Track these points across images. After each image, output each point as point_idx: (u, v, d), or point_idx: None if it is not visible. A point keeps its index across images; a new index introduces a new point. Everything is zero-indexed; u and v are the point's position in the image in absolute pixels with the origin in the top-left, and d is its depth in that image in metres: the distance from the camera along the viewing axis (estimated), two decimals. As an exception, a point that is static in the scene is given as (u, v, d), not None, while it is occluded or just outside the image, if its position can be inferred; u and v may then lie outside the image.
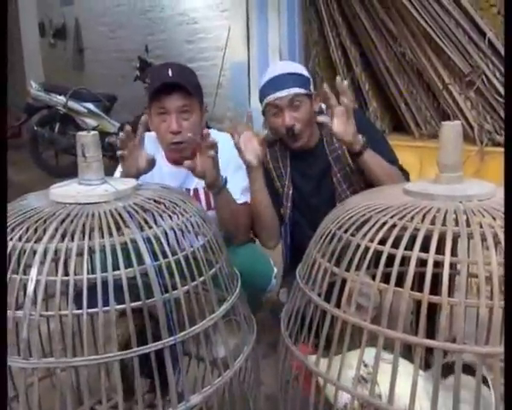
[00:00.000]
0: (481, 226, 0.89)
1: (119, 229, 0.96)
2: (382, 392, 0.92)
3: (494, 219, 0.91)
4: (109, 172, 1.23)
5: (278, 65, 1.95)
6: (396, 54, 3.48)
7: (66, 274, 0.91)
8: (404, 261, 0.89)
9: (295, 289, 1.12)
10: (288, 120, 1.63)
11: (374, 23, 3.53)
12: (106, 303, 0.89)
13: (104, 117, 4.70)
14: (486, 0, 3.20)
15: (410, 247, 0.88)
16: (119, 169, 1.57)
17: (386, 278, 0.89)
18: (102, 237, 0.93)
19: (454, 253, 0.88)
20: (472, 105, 3.21)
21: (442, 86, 3.30)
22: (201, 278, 1.01)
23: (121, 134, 1.43)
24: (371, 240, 0.93)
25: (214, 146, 1.41)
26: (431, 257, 0.85)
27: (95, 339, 0.93)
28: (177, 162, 1.69)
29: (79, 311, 0.88)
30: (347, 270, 0.96)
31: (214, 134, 1.68)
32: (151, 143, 1.61)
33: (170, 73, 1.57)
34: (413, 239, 0.89)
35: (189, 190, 1.70)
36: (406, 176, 1.69)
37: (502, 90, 3.05)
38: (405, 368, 0.95)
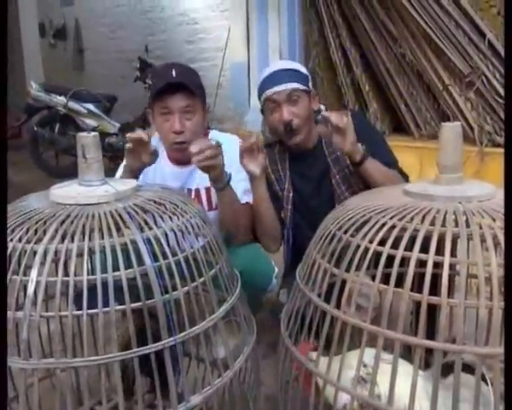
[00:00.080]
0: (481, 227, 0.89)
1: (119, 230, 0.96)
2: (382, 392, 0.92)
3: (494, 220, 0.91)
4: (109, 172, 1.23)
5: (277, 63, 1.96)
6: (396, 55, 3.49)
7: (67, 275, 0.91)
8: (404, 262, 0.89)
9: (295, 289, 1.12)
10: (287, 115, 1.63)
11: (374, 24, 3.54)
12: (106, 304, 0.89)
13: (104, 118, 4.70)
14: (486, 1, 3.20)
15: (409, 248, 0.88)
16: (121, 169, 1.58)
17: (385, 279, 0.89)
18: (102, 237, 0.93)
19: (453, 254, 0.88)
20: (472, 106, 3.22)
21: (442, 87, 3.30)
22: (201, 279, 1.01)
23: (137, 133, 1.45)
24: (371, 241, 0.93)
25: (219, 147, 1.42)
26: (430, 258, 0.85)
27: (95, 340, 0.93)
28: (179, 162, 1.69)
29: (79, 312, 0.88)
30: (347, 271, 0.96)
31: (216, 135, 1.69)
32: (153, 143, 1.62)
33: (173, 73, 1.58)
34: (413, 240, 0.89)
35: (190, 190, 1.70)
36: (405, 178, 1.69)
37: (502, 91, 3.05)
38: (405, 368, 0.95)
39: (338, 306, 0.95)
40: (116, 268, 0.91)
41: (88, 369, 0.90)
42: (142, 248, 0.93)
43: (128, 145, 1.44)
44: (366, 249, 0.93)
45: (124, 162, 1.56)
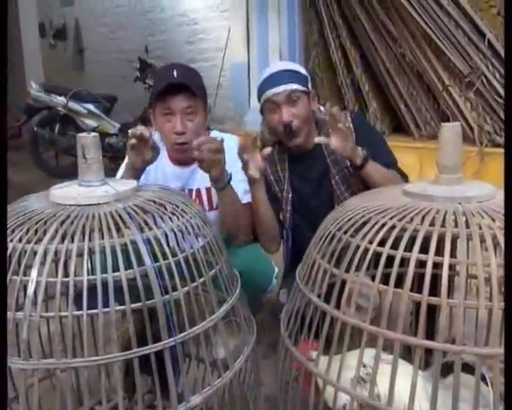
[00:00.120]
0: (480, 228, 0.89)
1: (119, 230, 0.96)
2: (381, 393, 0.92)
3: (493, 220, 0.91)
4: (109, 173, 1.23)
5: (276, 64, 1.96)
6: (396, 55, 3.48)
7: (67, 275, 0.91)
8: (404, 262, 0.89)
9: (295, 289, 1.12)
10: (286, 116, 1.63)
11: (374, 24, 3.53)
12: (106, 304, 0.89)
13: (104, 118, 4.70)
14: (486, 1, 3.20)
15: (409, 248, 0.88)
16: (122, 169, 1.58)
17: (385, 279, 0.89)
18: (102, 238, 0.93)
19: (453, 254, 0.88)
20: (472, 106, 3.22)
21: (442, 87, 3.30)
22: (201, 280, 1.01)
23: (138, 128, 1.44)
24: (371, 241, 0.93)
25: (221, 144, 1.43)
26: (430, 258, 0.86)
27: (95, 340, 0.93)
28: (180, 163, 1.70)
29: (79, 312, 0.88)
30: (347, 271, 0.96)
31: (216, 135, 1.69)
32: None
33: (175, 73, 1.58)
34: (412, 240, 0.89)
35: (191, 190, 1.71)
36: (405, 179, 1.69)
37: (501, 91, 3.05)
38: (404, 369, 0.95)
39: (338, 306, 0.95)
40: (116, 268, 0.91)
41: (88, 369, 0.90)
42: (142, 248, 0.94)
43: (132, 141, 1.44)
44: (366, 250, 0.93)
45: (125, 161, 1.56)
